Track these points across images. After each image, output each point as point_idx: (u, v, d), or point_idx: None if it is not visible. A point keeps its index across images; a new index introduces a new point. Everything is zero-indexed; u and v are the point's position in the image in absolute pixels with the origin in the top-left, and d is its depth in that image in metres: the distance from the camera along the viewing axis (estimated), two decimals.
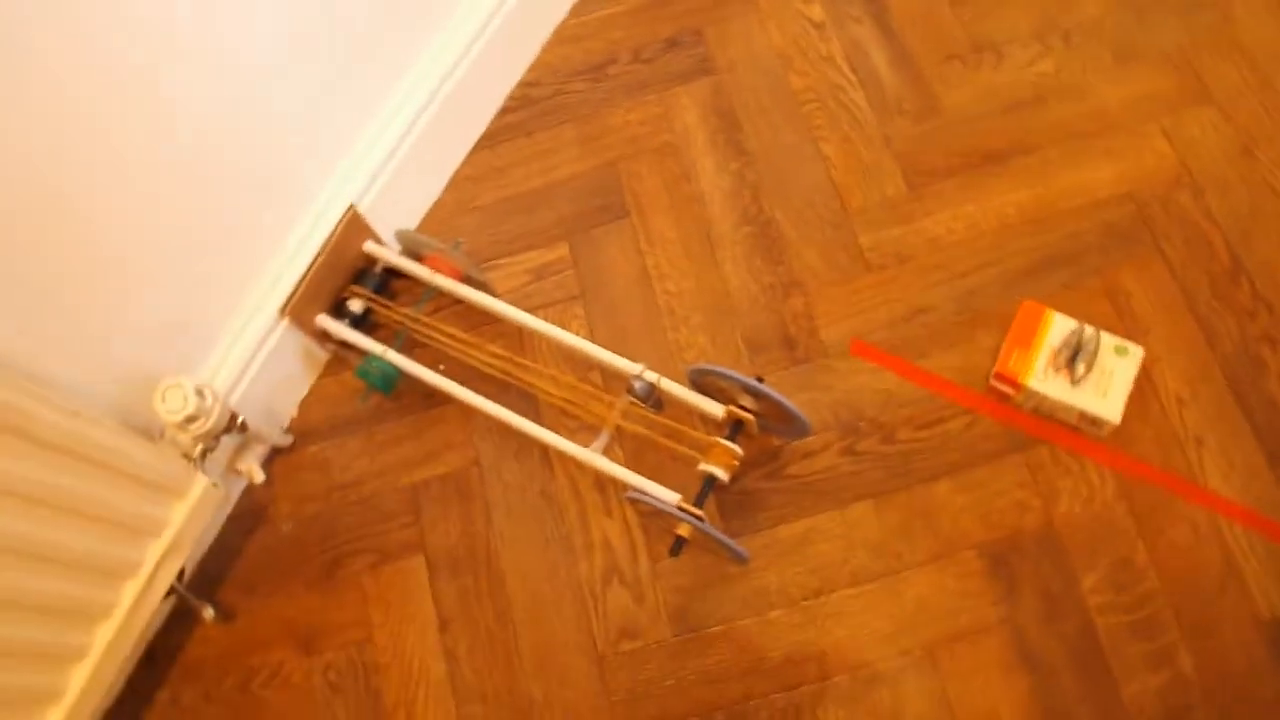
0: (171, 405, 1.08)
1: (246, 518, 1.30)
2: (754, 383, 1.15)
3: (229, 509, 1.30)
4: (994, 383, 1.25)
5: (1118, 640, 1.17)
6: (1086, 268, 1.33)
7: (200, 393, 1.10)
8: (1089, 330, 1.22)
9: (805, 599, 1.21)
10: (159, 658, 1.25)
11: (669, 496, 1.15)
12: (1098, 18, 1.46)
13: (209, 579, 1.28)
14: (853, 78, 1.47)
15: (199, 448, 1.13)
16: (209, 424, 1.10)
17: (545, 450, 1.29)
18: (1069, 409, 1.21)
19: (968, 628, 1.18)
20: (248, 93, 1.11)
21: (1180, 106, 1.41)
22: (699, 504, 1.13)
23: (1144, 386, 1.25)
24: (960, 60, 1.45)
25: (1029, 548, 1.21)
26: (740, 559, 1.16)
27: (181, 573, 1.17)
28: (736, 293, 1.36)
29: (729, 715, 1.18)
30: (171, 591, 1.16)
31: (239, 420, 1.18)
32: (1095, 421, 1.21)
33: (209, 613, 1.23)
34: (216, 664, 1.25)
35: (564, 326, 1.29)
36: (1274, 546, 1.19)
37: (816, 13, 1.52)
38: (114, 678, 1.12)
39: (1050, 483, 1.24)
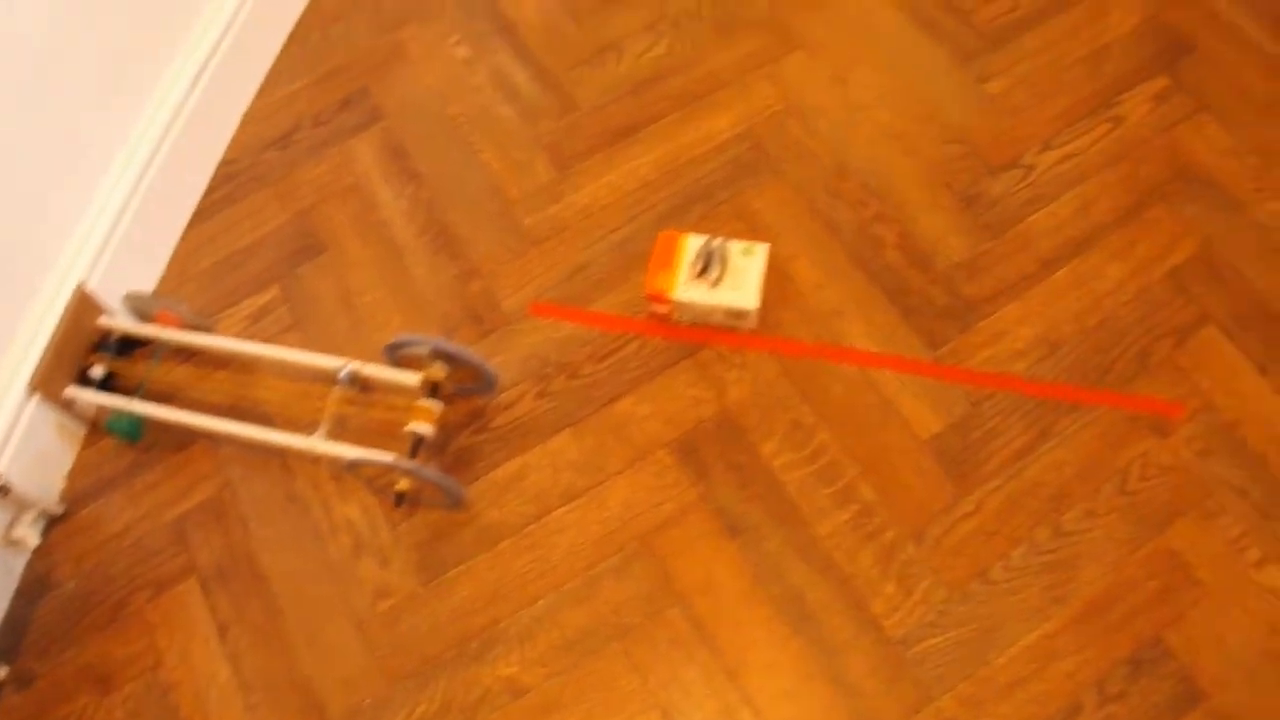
0: None
1: (31, 589, 1.37)
2: (438, 341, 1.30)
3: (14, 584, 1.37)
4: (651, 306, 1.41)
5: (805, 489, 1.31)
6: (718, 199, 1.51)
7: None
8: (717, 241, 1.39)
9: (527, 525, 1.33)
10: None
11: (384, 457, 1.27)
12: (696, 3, 1.69)
13: (3, 654, 1.33)
14: (499, 96, 1.66)
15: None
16: None
17: (284, 459, 1.39)
18: (714, 309, 1.38)
19: (673, 514, 1.31)
20: None
21: (778, 56, 1.63)
22: (411, 458, 1.26)
23: (784, 280, 1.43)
24: (587, 63, 1.66)
25: (711, 434, 1.35)
26: (458, 498, 1.29)
27: None
28: (426, 290, 1.51)
29: (482, 641, 1.27)
30: None
31: (8, 492, 1.27)
32: (740, 314, 1.37)
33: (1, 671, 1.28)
34: None
35: None
36: (916, 380, 1.36)
37: (463, 52, 1.72)
38: None
39: (718, 377, 1.39)
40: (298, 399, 1.42)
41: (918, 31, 1.63)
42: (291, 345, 1.46)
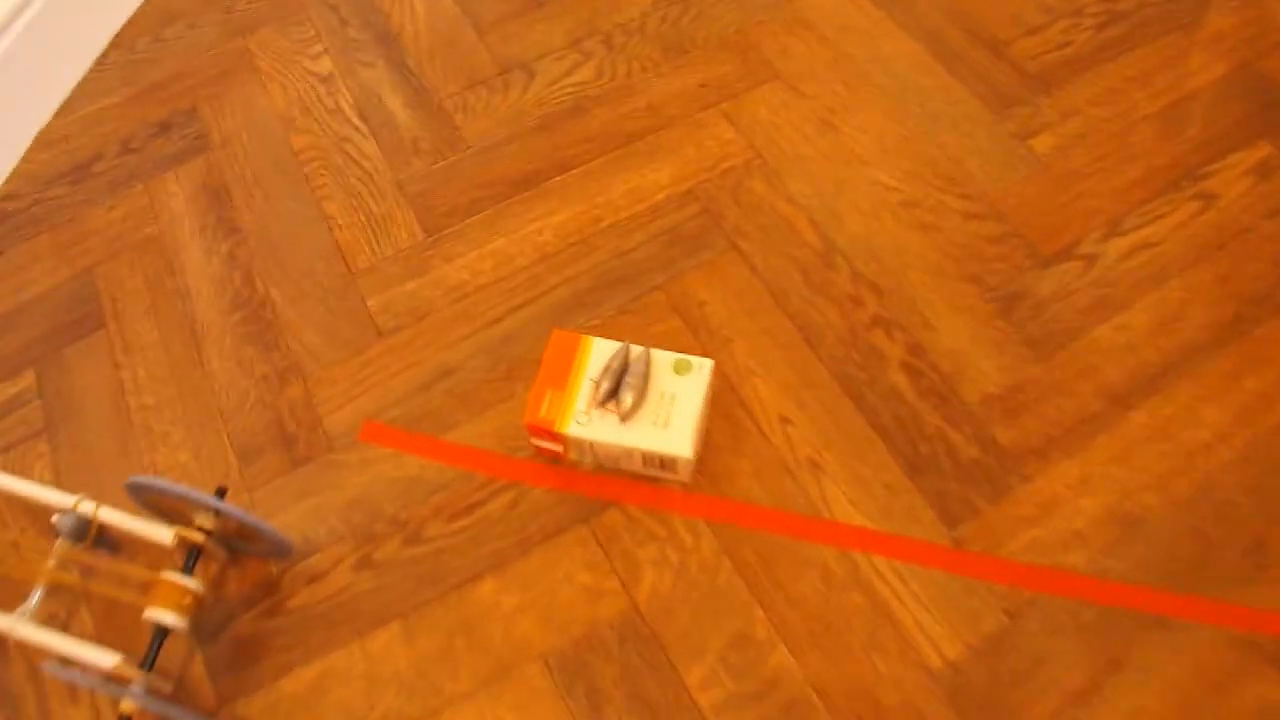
0: None
1: None
2: (198, 495, 0.81)
3: None
4: (534, 441, 0.91)
5: None
6: (646, 285, 1.03)
7: None
8: (636, 350, 0.90)
9: None
10: None
11: (102, 660, 0.77)
12: (640, 15, 1.20)
13: None
14: (363, 126, 1.17)
15: None
16: None
17: None
18: (628, 452, 0.88)
19: None
20: None
21: (744, 89, 1.15)
22: (149, 664, 0.76)
23: (734, 412, 0.96)
24: (485, 85, 1.18)
25: (611, 645, 0.85)
26: None
27: None
28: (225, 393, 1.01)
29: None
30: None
31: None
32: (666, 462, 0.87)
33: None
34: None
35: (25, 470, 0.97)
36: (925, 573, 0.87)
37: (324, 66, 1.23)
38: None
39: (628, 554, 0.89)
40: (8, 548, 0.92)
41: (936, 65, 1.16)
42: (37, 455, 1.04)
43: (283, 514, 0.96)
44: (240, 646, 0.91)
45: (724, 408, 0.97)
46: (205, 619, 0.92)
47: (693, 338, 1.01)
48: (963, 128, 1.13)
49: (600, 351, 0.93)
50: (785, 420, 0.96)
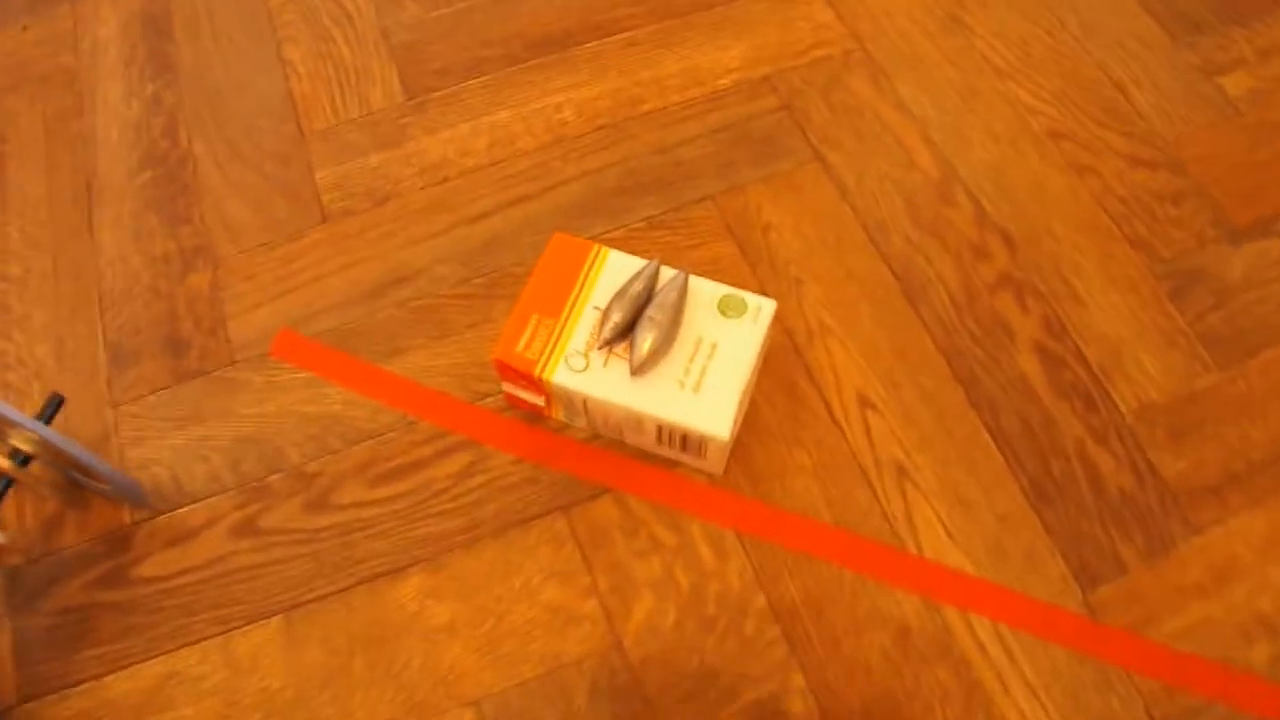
0: None
1: None
2: (6, 409, 0.52)
3: None
4: (507, 387, 0.60)
5: None
6: (693, 193, 0.72)
7: None
8: (668, 272, 0.59)
9: None
10: None
11: None
12: None
13: None
14: None
15: None
16: None
17: None
18: (636, 420, 0.57)
19: None
20: None
21: None
22: None
23: (797, 382, 0.67)
24: None
25: (577, 698, 0.57)
26: None
27: None
28: (110, 272, 0.72)
29: None
30: None
31: None
32: (690, 442, 0.57)
33: None
34: None
35: None
36: (1048, 650, 0.57)
37: None
38: None
39: (619, 566, 0.59)
40: None
41: None
42: None
43: (152, 442, 0.67)
44: (62, 622, 0.62)
45: (782, 374, 0.66)
46: (22, 576, 0.63)
47: (749, 272, 0.70)
48: (1130, 48, 0.81)
49: (617, 268, 0.62)
50: (867, 403, 0.65)
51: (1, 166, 0.85)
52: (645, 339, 0.60)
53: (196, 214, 0.78)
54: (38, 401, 0.72)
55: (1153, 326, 0.71)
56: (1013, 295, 0.72)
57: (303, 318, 0.72)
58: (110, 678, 0.63)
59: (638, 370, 0.60)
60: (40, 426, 0.58)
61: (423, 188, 0.77)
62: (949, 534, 0.63)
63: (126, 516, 0.67)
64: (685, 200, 0.75)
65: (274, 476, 0.67)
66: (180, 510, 0.67)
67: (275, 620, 0.63)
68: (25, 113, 0.88)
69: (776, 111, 0.79)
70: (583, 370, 0.61)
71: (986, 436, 0.66)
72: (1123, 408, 0.68)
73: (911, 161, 0.77)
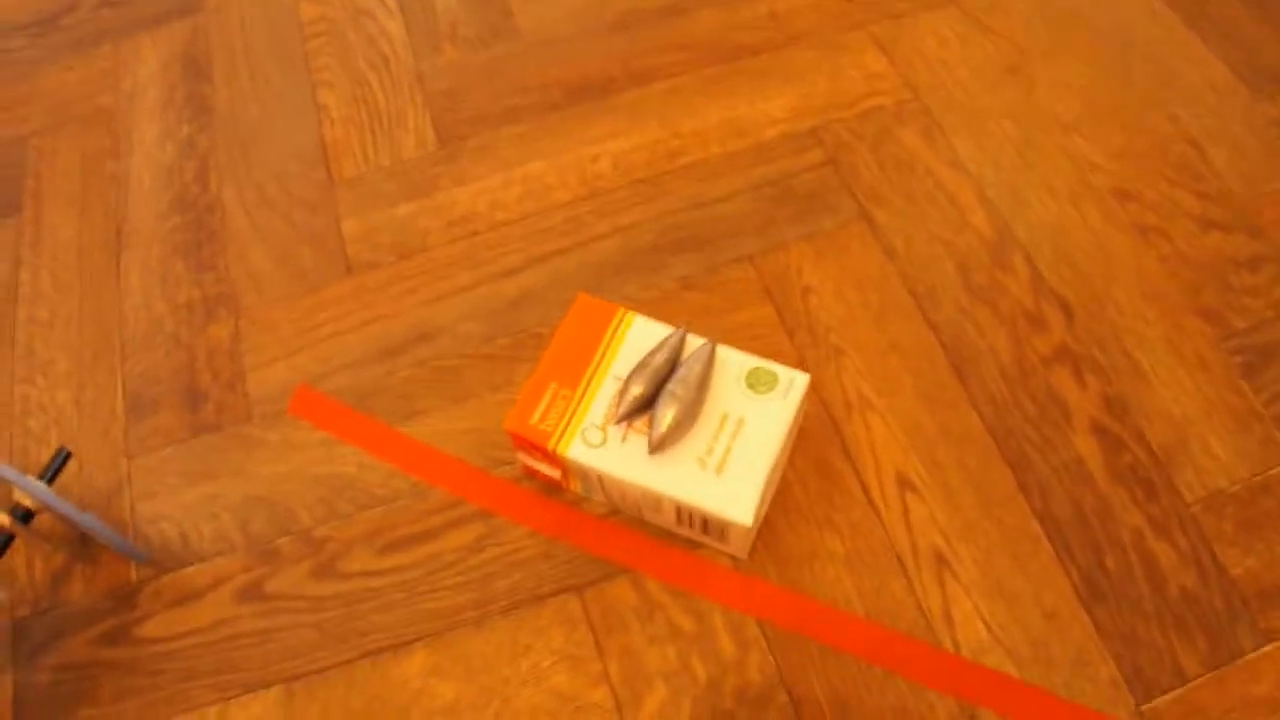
0: None
1: None
2: (4, 470, 0.51)
3: None
4: (523, 458, 0.57)
5: None
6: (731, 252, 0.68)
7: None
8: (695, 342, 0.55)
9: None
10: None
11: None
12: None
13: None
14: (391, 0, 0.84)
15: None
16: None
17: None
18: (654, 500, 0.53)
19: None
20: None
21: (908, 10, 0.80)
22: None
23: (832, 459, 0.64)
24: None
25: None
26: None
27: None
28: (134, 319, 0.71)
29: None
30: None
31: None
32: (711, 525, 0.53)
33: None
34: None
35: None
36: None
37: None
38: None
39: (632, 653, 0.56)
40: None
41: (1171, 14, 0.80)
42: None
43: (164, 497, 0.66)
44: (64, 679, 0.61)
45: (816, 449, 0.62)
46: (28, 628, 0.61)
47: (786, 339, 0.66)
48: (1205, 101, 0.75)
49: (642, 335, 0.58)
50: (907, 485, 0.61)
51: (39, 207, 0.84)
52: (666, 414, 0.56)
53: (222, 262, 0.76)
54: (54, 448, 0.70)
55: (1223, 406, 0.65)
56: (1070, 370, 0.66)
57: (321, 374, 0.70)
58: None
59: (656, 448, 0.56)
60: (38, 487, 0.56)
61: (451, 241, 0.74)
62: (990, 631, 0.58)
63: (133, 573, 0.65)
64: (722, 260, 0.71)
65: (283, 539, 0.65)
66: (187, 569, 0.65)
67: (274, 691, 0.61)
68: (64, 152, 0.87)
69: (822, 166, 0.75)
70: (600, 445, 0.57)
71: (1036, 525, 0.61)
72: (1187, 496, 0.62)
73: (964, 222, 0.73)
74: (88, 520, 0.58)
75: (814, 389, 0.66)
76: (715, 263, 0.72)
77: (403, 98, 0.83)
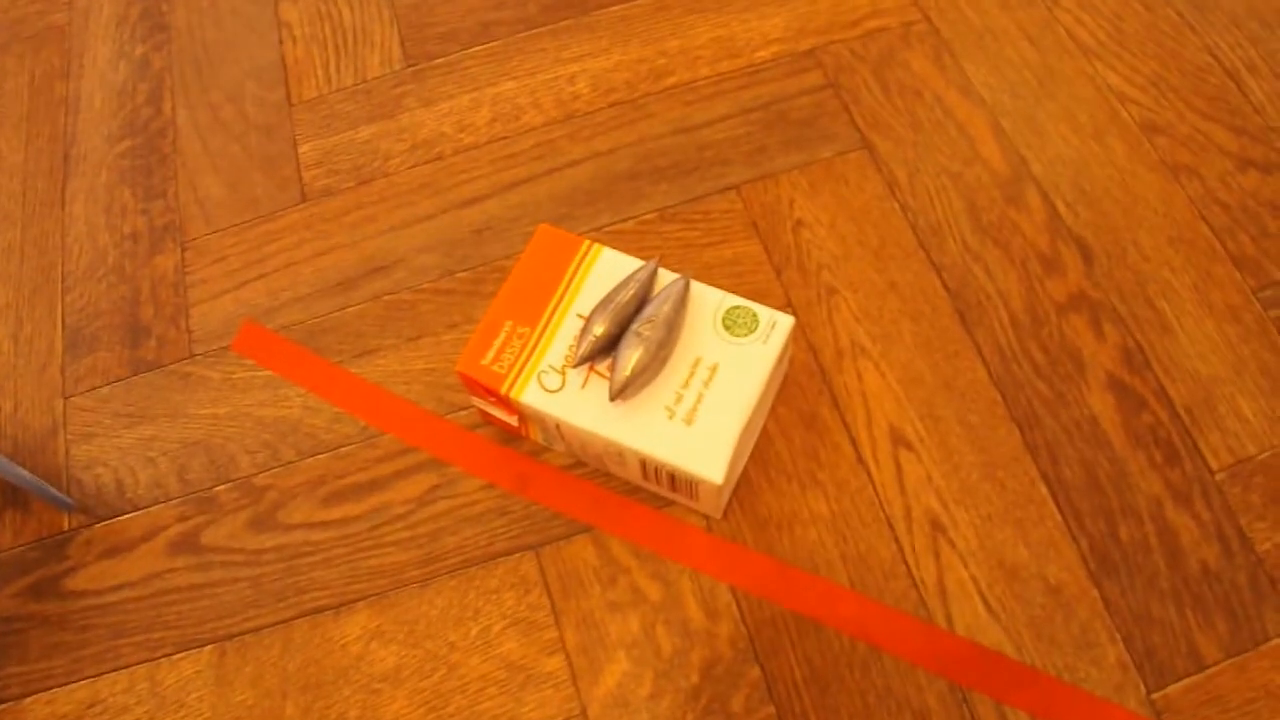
0: None
1: None
2: None
3: None
4: (477, 402, 0.51)
5: None
6: (717, 181, 0.61)
7: None
8: (667, 276, 0.49)
9: None
10: None
11: None
12: None
13: None
14: None
15: None
16: None
17: None
18: (616, 451, 0.47)
19: None
20: None
21: None
22: None
23: (820, 411, 0.59)
24: None
25: None
26: None
27: None
28: (77, 249, 0.66)
29: None
30: None
31: None
32: (679, 481, 0.47)
33: None
34: None
35: None
36: None
37: None
38: None
39: (591, 620, 0.50)
40: None
41: None
42: None
43: (100, 440, 0.61)
44: None
45: (802, 400, 0.55)
46: None
47: (773, 277, 0.59)
48: (1246, 29, 0.67)
49: (611, 269, 0.52)
50: (901, 441, 0.54)
51: None
52: (629, 357, 0.50)
53: (172, 189, 0.70)
54: None
55: (1256, 364, 0.58)
56: (1086, 319, 0.59)
57: (270, 309, 0.64)
58: (30, 700, 0.56)
59: (618, 394, 0.50)
60: None
61: (413, 166, 0.68)
62: (987, 606, 0.52)
63: (66, 521, 0.60)
64: (706, 190, 0.65)
65: (221, 487, 0.59)
66: (121, 518, 0.60)
67: (207, 651, 0.55)
68: (14, 73, 0.81)
69: (820, 90, 0.68)
70: (557, 390, 0.51)
71: (1043, 489, 0.55)
72: (1213, 463, 0.56)
73: (975, 154, 0.65)
74: (3, 465, 0.53)
75: (801, 333, 0.60)
76: (698, 193, 0.65)
77: (369, 13, 0.76)
